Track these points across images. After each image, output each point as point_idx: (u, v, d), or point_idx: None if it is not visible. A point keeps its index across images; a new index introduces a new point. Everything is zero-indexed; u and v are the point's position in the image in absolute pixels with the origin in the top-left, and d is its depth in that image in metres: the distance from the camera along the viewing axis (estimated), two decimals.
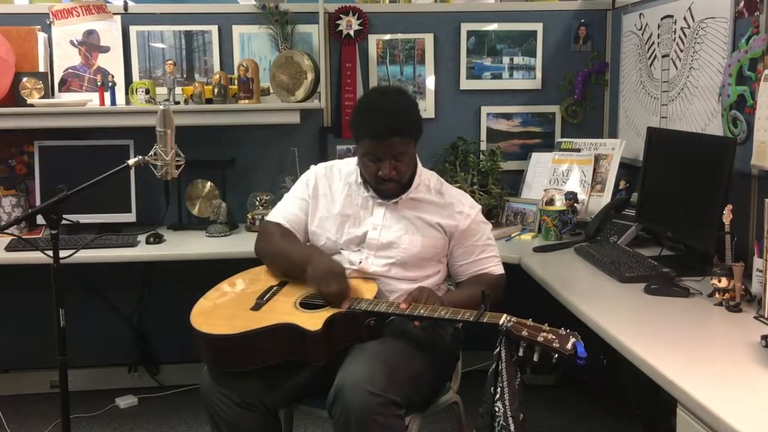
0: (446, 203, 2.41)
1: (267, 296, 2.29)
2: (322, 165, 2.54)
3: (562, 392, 3.55)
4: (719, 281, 2.12)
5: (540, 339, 1.89)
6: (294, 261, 2.33)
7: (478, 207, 2.46)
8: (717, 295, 2.15)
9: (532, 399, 3.20)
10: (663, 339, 1.92)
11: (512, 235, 3.22)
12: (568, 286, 2.42)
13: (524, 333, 1.91)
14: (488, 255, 2.43)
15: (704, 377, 1.66)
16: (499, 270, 2.44)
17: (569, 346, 1.85)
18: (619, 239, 2.88)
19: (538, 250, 2.95)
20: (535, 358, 1.89)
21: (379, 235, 2.37)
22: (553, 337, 1.88)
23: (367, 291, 2.25)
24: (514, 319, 1.97)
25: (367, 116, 2.31)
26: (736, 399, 1.56)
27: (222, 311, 2.26)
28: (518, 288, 2.54)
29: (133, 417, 3.41)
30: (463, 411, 2.43)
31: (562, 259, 2.82)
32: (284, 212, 2.49)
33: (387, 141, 2.25)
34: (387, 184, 2.33)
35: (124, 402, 3.51)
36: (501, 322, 1.97)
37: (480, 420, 1.99)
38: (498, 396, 1.95)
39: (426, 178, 2.45)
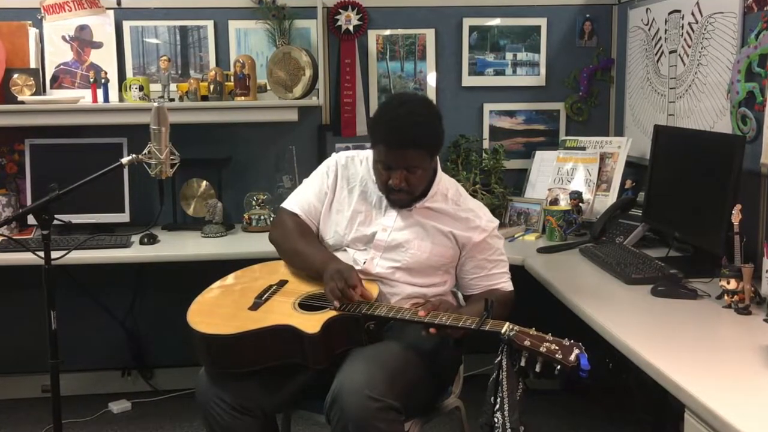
0: (462, 216, 2.36)
1: (265, 296, 2.26)
2: (343, 154, 2.49)
3: (566, 397, 3.52)
4: (728, 283, 2.11)
5: (543, 350, 1.85)
6: (312, 265, 2.31)
7: (496, 222, 2.41)
8: (726, 297, 2.14)
9: (536, 404, 3.18)
10: (670, 342, 1.92)
11: (516, 236, 3.19)
12: (573, 288, 2.42)
13: (527, 343, 1.88)
14: (500, 271, 2.39)
15: (713, 381, 1.66)
16: (509, 287, 2.41)
17: (572, 357, 1.81)
18: (626, 240, 2.88)
19: (542, 251, 2.93)
20: (537, 368, 1.86)
21: (388, 237, 2.33)
22: (556, 347, 1.84)
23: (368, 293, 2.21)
24: (516, 327, 1.94)
25: (384, 125, 2.25)
26: (746, 404, 1.56)
27: (219, 310, 2.22)
28: (522, 290, 2.50)
29: (127, 422, 3.38)
30: (465, 416, 2.40)
31: (567, 261, 2.82)
32: (302, 201, 2.45)
33: (400, 152, 2.21)
34: (396, 194, 2.29)
35: (118, 407, 3.47)
36: (503, 330, 1.94)
37: (479, 431, 1.96)
38: (498, 406, 1.92)
39: (444, 187, 2.40)
